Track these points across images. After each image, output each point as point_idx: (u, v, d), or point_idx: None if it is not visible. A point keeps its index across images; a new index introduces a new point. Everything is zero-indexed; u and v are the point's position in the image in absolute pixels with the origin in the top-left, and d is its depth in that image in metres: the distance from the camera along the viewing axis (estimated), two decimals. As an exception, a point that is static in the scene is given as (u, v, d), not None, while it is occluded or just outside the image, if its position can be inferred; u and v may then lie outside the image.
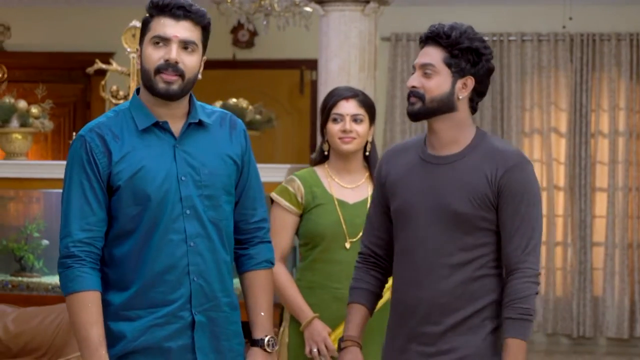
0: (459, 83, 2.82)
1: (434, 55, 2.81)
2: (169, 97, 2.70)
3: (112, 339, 2.71)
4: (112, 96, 5.93)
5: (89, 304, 2.67)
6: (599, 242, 8.50)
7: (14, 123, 5.97)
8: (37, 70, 8.88)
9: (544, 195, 8.44)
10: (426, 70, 2.81)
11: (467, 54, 2.80)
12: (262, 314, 2.86)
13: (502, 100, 8.57)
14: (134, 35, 5.70)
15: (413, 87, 2.83)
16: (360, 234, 3.36)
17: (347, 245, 3.51)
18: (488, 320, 2.81)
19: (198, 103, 2.82)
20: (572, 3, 7.82)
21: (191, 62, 2.72)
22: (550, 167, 8.49)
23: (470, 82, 2.83)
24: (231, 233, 2.83)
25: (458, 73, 2.81)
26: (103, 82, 6.06)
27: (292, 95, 9.48)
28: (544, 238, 8.46)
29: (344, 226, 3.52)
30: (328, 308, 3.51)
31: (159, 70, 2.69)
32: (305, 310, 3.50)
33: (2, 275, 5.97)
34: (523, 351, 2.77)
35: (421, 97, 2.82)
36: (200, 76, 2.78)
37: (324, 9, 6.51)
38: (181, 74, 2.70)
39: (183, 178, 2.73)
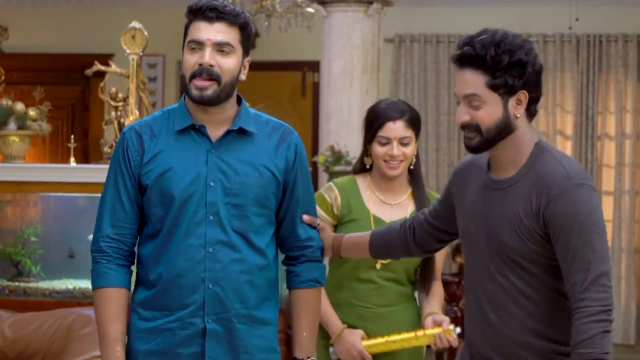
0: (512, 102, 2.52)
1: (474, 82, 2.50)
2: (204, 102, 2.70)
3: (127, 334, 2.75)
4: (111, 98, 5.85)
5: (111, 301, 2.71)
6: (605, 246, 8.41)
7: (12, 125, 5.90)
8: (35, 72, 8.85)
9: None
10: (472, 102, 2.51)
11: (511, 69, 2.48)
12: (304, 334, 2.83)
13: (507, 102, 8.49)
14: (133, 37, 5.62)
15: (464, 123, 2.55)
16: None
17: (378, 265, 3.36)
18: None
19: (252, 111, 2.81)
20: (578, 3, 7.75)
21: (228, 65, 2.70)
22: (555, 170, 8.40)
23: (523, 96, 2.52)
24: (267, 246, 2.77)
25: (507, 93, 2.50)
26: (102, 84, 5.98)
27: (293, 97, 9.44)
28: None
29: None
30: (352, 326, 3.39)
31: (193, 76, 2.69)
32: (335, 323, 3.39)
33: (-1, 280, 5.90)
34: None
35: (477, 129, 2.53)
36: (243, 77, 2.78)
37: (327, 9, 6.45)
38: (216, 78, 2.68)
39: (212, 184, 2.70)
